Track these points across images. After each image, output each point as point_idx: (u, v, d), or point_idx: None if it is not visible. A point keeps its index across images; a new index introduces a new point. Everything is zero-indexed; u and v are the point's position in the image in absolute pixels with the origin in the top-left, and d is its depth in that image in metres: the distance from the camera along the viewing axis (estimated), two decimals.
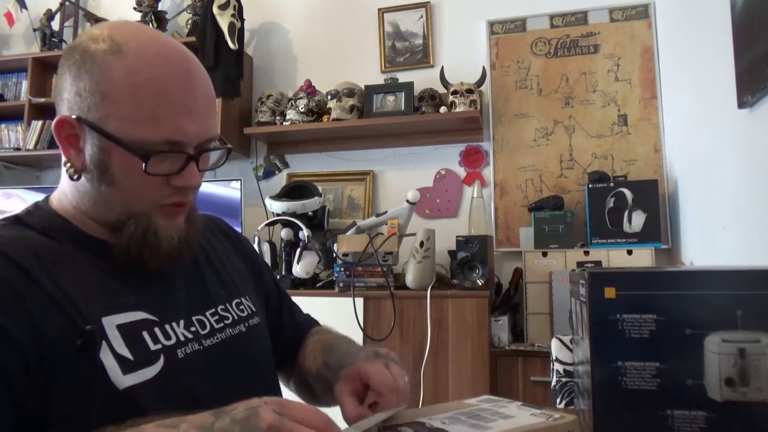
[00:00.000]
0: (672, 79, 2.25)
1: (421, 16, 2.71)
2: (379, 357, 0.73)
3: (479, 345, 2.00)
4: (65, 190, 0.70)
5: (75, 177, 0.67)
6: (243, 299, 0.81)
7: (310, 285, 2.31)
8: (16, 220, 0.67)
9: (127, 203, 0.66)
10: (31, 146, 2.89)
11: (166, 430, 0.50)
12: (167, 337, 0.66)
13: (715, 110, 1.63)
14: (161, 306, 0.68)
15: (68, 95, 0.65)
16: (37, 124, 2.89)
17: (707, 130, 1.76)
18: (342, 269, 2.18)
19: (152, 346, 0.64)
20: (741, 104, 1.37)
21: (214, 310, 0.75)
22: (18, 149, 2.97)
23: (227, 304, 0.78)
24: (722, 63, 1.48)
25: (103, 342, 0.60)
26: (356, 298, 2.11)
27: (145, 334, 0.64)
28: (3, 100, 3.08)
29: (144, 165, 0.62)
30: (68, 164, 0.67)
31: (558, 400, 1.31)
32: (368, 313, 2.12)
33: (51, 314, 0.59)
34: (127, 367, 0.61)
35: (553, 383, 1.35)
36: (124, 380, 0.60)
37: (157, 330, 0.66)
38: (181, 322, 0.69)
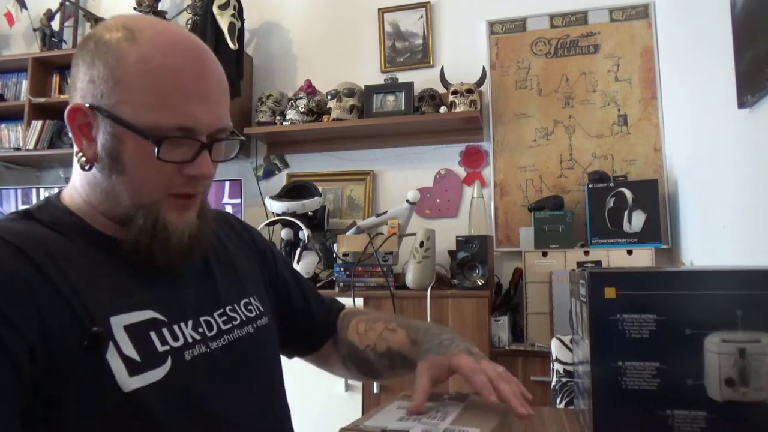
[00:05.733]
0: (672, 79, 2.25)
1: (421, 16, 2.71)
2: (472, 354, 0.75)
3: (479, 345, 1.96)
4: (76, 185, 0.69)
5: (86, 167, 0.66)
6: (251, 299, 0.81)
7: None
8: (26, 214, 0.66)
9: (137, 193, 0.65)
10: (31, 146, 2.88)
11: None
12: (175, 338, 0.66)
13: (715, 110, 1.63)
14: (170, 306, 0.67)
15: (81, 84, 0.64)
16: (37, 124, 2.89)
17: (707, 130, 1.77)
18: (342, 269, 2.18)
19: (159, 348, 0.63)
20: (741, 104, 1.37)
21: (222, 310, 0.74)
22: (18, 149, 2.97)
23: (235, 305, 0.77)
24: (722, 63, 1.48)
25: (110, 343, 0.59)
26: (356, 298, 2.11)
27: (153, 335, 0.63)
28: (3, 100, 3.08)
29: (156, 150, 0.62)
30: (80, 154, 0.66)
31: (558, 400, 1.31)
32: None
33: (60, 312, 0.57)
34: (133, 368, 0.60)
35: (553, 383, 1.35)
36: (130, 382, 0.59)
37: (165, 331, 0.65)
38: (189, 323, 0.68)
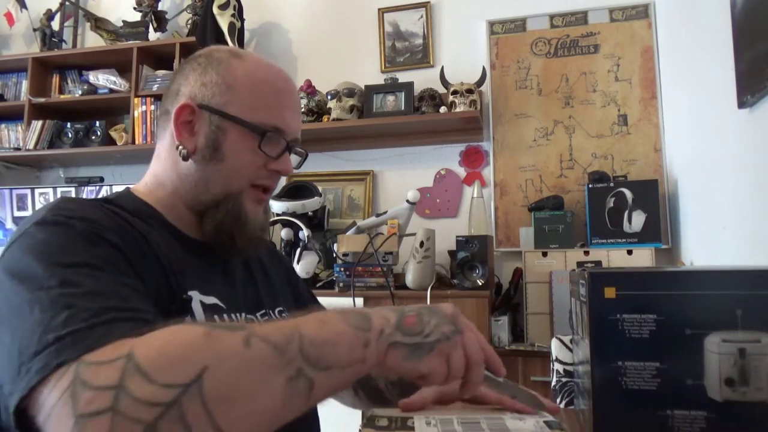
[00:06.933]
0: (672, 79, 2.25)
1: (421, 16, 2.71)
2: None
3: None
4: (161, 179, 0.77)
5: (185, 158, 0.74)
6: (284, 308, 0.86)
7: (310, 285, 2.30)
8: (105, 201, 0.71)
9: (229, 180, 0.74)
10: (31, 146, 2.88)
11: (356, 317, 0.54)
12: None
13: (715, 110, 1.63)
14: (227, 297, 0.74)
15: (190, 87, 0.75)
16: (36, 124, 2.89)
17: (707, 130, 1.76)
18: (342, 269, 2.18)
19: None
20: (741, 104, 1.37)
21: (263, 311, 0.81)
22: (18, 149, 2.97)
23: (271, 311, 0.82)
24: (722, 63, 1.48)
25: (189, 314, 0.66)
26: (356, 298, 2.11)
27: (217, 319, 0.70)
28: (3, 100, 3.07)
29: (260, 140, 0.74)
30: (180, 146, 0.74)
31: (558, 400, 1.31)
32: None
33: (158, 277, 0.65)
34: None
35: (553, 383, 1.35)
36: None
37: (225, 317, 0.71)
38: (243, 315, 0.75)
